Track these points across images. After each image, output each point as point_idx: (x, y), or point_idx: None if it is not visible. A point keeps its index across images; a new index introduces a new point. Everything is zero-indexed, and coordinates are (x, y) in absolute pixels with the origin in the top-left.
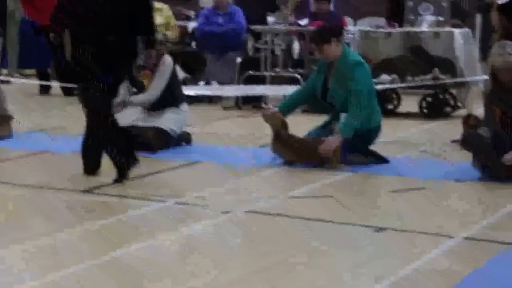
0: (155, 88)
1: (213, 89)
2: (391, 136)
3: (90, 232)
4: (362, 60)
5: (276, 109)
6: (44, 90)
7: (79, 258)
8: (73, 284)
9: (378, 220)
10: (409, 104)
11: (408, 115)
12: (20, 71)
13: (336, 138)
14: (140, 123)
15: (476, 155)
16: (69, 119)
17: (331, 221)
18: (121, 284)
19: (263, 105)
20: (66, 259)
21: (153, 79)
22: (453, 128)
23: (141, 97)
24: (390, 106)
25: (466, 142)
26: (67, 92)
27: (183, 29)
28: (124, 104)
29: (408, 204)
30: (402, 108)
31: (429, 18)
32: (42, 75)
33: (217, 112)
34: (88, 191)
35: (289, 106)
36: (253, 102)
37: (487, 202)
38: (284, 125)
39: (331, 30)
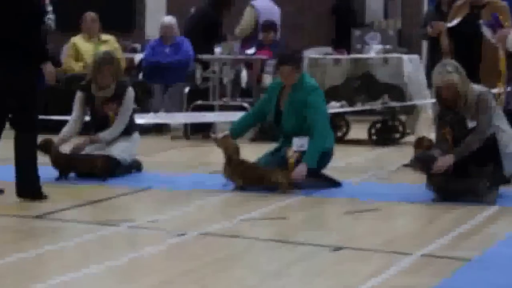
0: (122, 121)
1: (162, 117)
2: (341, 162)
3: (40, 257)
4: (317, 85)
5: (227, 132)
6: None
7: (25, 283)
8: None
9: (333, 240)
10: (359, 131)
11: (357, 142)
12: None
13: (304, 166)
14: (92, 151)
15: (427, 175)
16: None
17: (286, 242)
18: None
19: (212, 134)
20: (12, 284)
21: (119, 113)
22: (403, 154)
23: (109, 133)
24: (339, 133)
25: (417, 163)
26: None
27: (130, 61)
28: (92, 142)
29: (363, 224)
30: (351, 135)
31: (376, 46)
32: None
33: (166, 142)
34: (40, 216)
35: (239, 129)
36: (202, 132)
37: (440, 223)
38: (236, 150)
39: (299, 56)
